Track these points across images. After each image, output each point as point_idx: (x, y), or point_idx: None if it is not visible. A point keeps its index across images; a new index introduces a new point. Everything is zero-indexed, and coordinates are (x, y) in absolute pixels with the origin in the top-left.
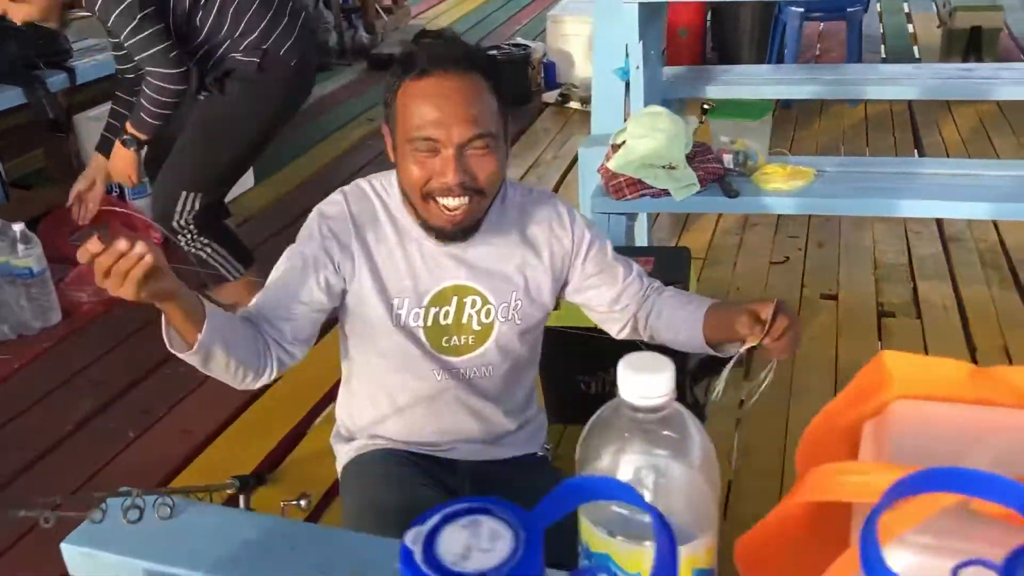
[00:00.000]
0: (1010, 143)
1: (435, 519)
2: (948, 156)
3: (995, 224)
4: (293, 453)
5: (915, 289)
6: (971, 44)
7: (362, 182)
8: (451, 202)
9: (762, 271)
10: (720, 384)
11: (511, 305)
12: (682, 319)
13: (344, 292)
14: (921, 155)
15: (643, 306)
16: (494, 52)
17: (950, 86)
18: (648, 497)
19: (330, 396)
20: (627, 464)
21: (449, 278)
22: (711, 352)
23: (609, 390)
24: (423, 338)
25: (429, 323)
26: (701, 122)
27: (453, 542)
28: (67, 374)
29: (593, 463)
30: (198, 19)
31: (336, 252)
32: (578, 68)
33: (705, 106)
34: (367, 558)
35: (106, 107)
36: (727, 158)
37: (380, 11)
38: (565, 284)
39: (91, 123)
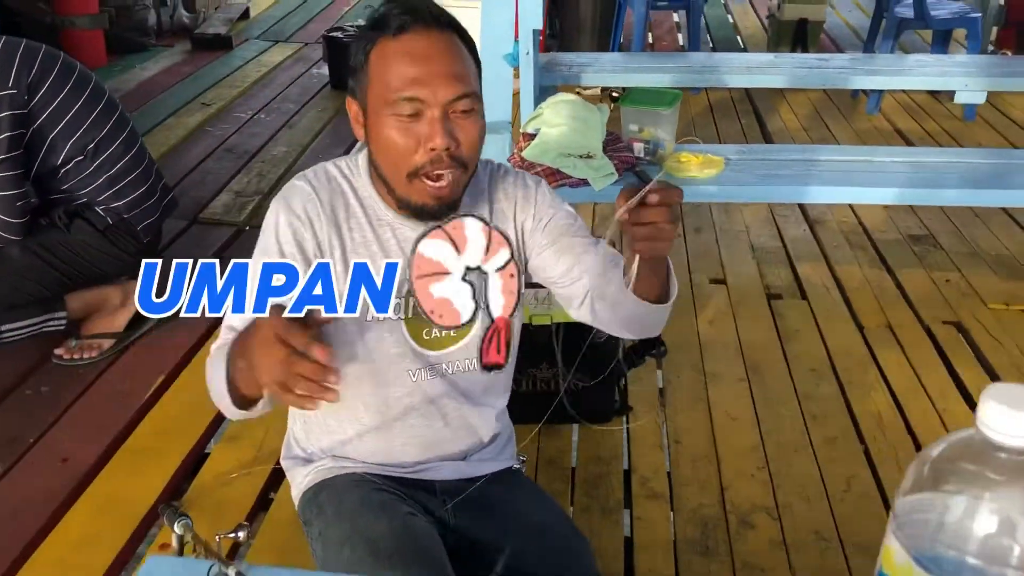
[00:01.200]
0: (844, 127)
1: None
2: (794, 142)
3: (852, 207)
4: (197, 478)
5: (795, 271)
6: (797, 35)
7: (327, 165)
8: (439, 172)
9: None
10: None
11: None
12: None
13: None
14: (768, 141)
15: (599, 283)
16: (338, 34)
17: (814, 75)
18: (1017, 551)
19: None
20: (990, 509)
21: None
22: (649, 302)
23: (541, 388)
24: (405, 331)
25: (410, 314)
26: (611, 109)
27: None
28: None
29: (938, 491)
30: (66, 172)
31: (310, 247)
32: None
33: (614, 94)
34: None
35: None
36: (637, 147)
37: None
38: (527, 261)
39: None
